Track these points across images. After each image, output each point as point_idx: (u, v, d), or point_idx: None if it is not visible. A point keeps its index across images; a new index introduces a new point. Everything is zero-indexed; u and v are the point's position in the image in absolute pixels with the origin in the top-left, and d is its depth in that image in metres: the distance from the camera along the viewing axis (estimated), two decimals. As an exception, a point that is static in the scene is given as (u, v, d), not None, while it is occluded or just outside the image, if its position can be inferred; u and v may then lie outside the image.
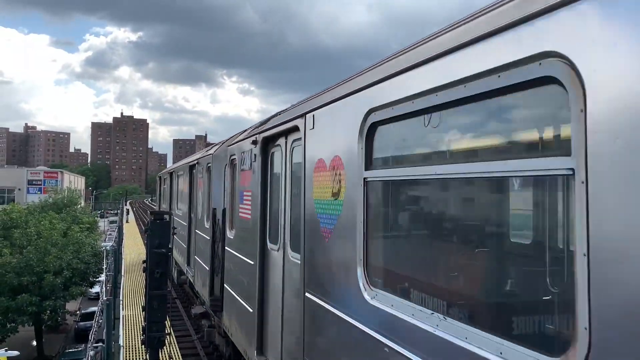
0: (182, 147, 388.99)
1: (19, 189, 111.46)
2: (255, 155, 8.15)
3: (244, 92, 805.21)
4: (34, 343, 36.61)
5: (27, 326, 34.78)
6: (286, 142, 6.96)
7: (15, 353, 26.07)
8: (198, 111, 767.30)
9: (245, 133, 9.83)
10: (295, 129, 6.48)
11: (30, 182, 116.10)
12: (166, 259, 11.65)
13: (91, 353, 12.11)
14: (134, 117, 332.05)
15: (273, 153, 7.64)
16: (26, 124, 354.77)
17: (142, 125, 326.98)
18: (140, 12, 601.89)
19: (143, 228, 41.39)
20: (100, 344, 13.06)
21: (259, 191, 7.88)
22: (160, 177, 29.24)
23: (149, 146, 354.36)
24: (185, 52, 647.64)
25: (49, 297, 33.49)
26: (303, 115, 6.14)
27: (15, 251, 34.81)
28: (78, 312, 41.70)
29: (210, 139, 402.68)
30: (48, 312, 34.59)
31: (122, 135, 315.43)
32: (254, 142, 8.22)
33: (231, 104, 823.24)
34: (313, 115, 5.79)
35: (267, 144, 7.81)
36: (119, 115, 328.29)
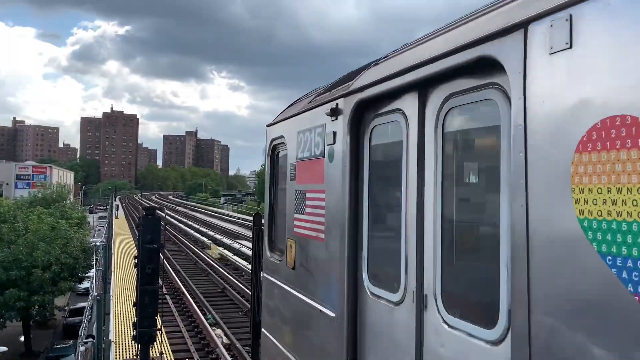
0: (173, 143, 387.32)
1: (7, 184, 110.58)
2: None
3: (233, 88, 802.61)
4: (22, 338, 36.28)
5: (15, 321, 34.46)
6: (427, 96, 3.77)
7: (3, 349, 25.89)
8: (188, 107, 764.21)
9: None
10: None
11: (18, 177, 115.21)
12: (157, 254, 11.63)
13: (81, 349, 12.01)
14: (124, 113, 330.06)
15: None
16: (14, 118, 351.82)
17: (132, 120, 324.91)
18: (127, 5, 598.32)
19: (133, 224, 40.91)
20: (91, 339, 12.97)
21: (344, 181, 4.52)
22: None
23: (139, 142, 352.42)
24: (173, 47, 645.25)
25: (37, 292, 33.14)
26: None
27: (3, 246, 34.44)
28: (67, 308, 41.38)
29: (200, 136, 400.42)
30: (36, 307, 34.27)
31: (112, 130, 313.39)
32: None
33: (221, 99, 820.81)
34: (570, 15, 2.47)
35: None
36: (108, 110, 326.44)
